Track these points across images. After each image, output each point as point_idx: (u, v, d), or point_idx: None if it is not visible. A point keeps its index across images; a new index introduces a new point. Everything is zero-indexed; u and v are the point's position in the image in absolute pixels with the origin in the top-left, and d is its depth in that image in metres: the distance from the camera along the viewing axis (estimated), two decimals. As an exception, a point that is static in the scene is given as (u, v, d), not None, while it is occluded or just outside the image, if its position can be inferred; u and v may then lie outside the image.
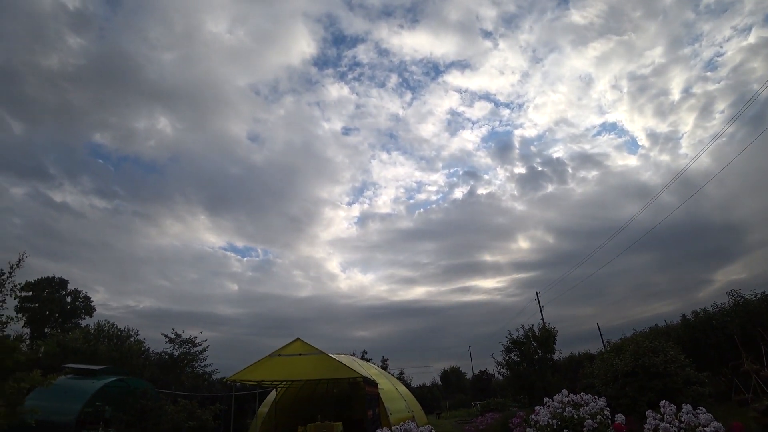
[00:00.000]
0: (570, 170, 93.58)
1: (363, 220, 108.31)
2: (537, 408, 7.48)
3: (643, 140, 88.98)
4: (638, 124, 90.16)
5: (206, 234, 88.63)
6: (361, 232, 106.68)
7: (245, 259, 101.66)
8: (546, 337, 15.48)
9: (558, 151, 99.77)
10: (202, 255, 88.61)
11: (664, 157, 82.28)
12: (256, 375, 10.26)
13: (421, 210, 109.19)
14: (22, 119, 66.18)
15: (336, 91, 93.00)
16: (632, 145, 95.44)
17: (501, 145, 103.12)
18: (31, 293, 48.97)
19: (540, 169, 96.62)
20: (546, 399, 7.40)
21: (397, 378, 25.07)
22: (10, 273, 8.12)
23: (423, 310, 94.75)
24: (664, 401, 5.11)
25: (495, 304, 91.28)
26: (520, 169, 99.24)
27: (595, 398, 6.77)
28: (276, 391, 13.98)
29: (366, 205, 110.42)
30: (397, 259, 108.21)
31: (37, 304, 48.54)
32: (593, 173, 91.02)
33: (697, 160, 55.74)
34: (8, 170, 65.94)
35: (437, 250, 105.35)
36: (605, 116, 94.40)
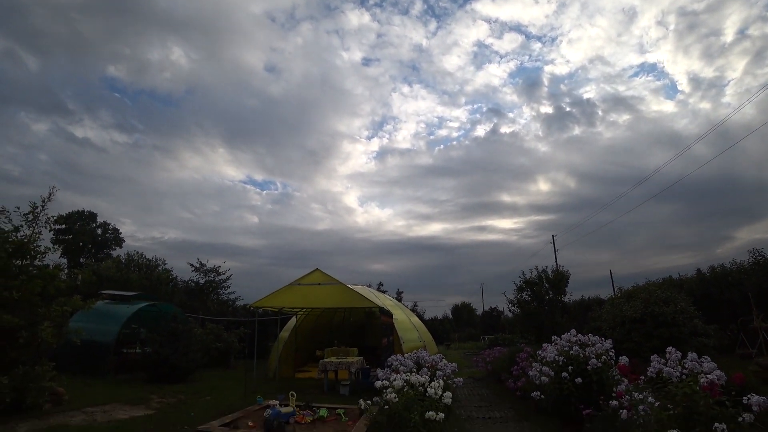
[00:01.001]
0: (600, 113, 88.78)
1: (382, 154, 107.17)
2: (545, 345, 7.82)
3: (683, 85, 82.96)
4: (681, 66, 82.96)
5: (225, 167, 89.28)
6: (379, 167, 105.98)
7: (264, 192, 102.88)
8: (559, 279, 15.76)
9: (589, 92, 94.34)
10: (222, 188, 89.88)
11: (704, 105, 77.11)
12: (277, 302, 10.84)
13: (442, 146, 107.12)
14: (35, 54, 65.20)
15: (356, 18, 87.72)
16: (671, 90, 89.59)
17: (529, 82, 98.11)
18: (64, 226, 51.16)
19: (568, 109, 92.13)
20: (554, 337, 7.70)
21: (410, 310, 26.03)
22: (42, 206, 8.46)
23: (438, 246, 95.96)
24: (670, 347, 5.27)
25: (510, 245, 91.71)
26: (547, 109, 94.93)
27: (601, 340, 7.05)
28: (296, 317, 14.76)
29: (385, 140, 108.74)
30: (415, 195, 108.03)
31: (70, 236, 50.87)
32: (624, 117, 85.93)
33: (740, 110, 52.56)
34: (28, 106, 66.25)
35: (456, 188, 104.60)
36: (645, 56, 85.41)
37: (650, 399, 4.58)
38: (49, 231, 8.49)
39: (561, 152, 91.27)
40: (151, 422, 7.07)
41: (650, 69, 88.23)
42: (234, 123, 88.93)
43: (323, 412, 7.71)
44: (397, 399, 5.36)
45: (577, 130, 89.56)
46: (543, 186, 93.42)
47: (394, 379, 5.75)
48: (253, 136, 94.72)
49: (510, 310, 17.04)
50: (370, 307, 10.80)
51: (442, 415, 5.25)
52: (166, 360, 11.43)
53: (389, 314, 10.76)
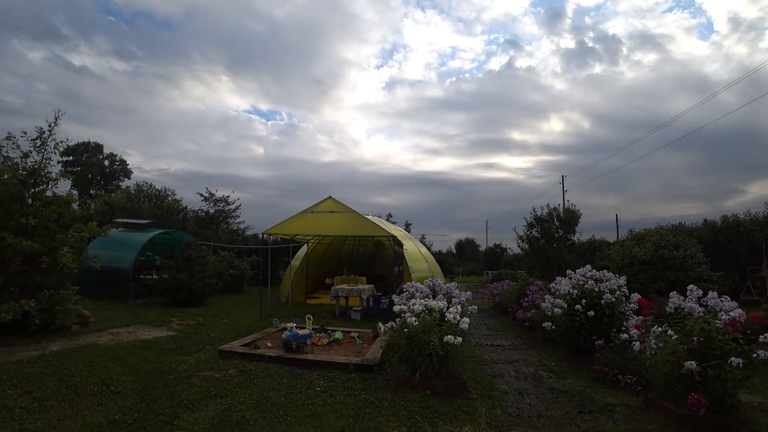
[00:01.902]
0: (624, 50, 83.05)
1: (391, 85, 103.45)
2: (558, 278, 7.83)
3: (721, 24, 77.11)
4: (721, 3, 77.32)
5: (229, 96, 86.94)
6: (388, 98, 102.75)
7: (270, 122, 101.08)
8: (570, 218, 15.64)
9: (615, 27, 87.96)
10: (226, 118, 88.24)
11: (740, 49, 71.80)
12: (289, 229, 10.85)
13: (454, 78, 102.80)
14: (25, -28, 61.20)
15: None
16: (705, 30, 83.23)
17: (552, 12, 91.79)
18: (71, 158, 51.00)
19: (591, 45, 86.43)
20: (569, 272, 7.70)
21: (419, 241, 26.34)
22: (50, 131, 8.19)
23: (445, 182, 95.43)
24: (692, 285, 5.20)
25: (517, 183, 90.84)
26: (568, 43, 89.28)
27: (615, 276, 7.08)
28: (307, 245, 14.93)
29: (395, 70, 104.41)
30: (424, 129, 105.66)
31: (78, 168, 50.83)
32: (650, 57, 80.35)
33: None
34: (22, 33, 63.36)
35: (466, 123, 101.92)
36: (683, -12, 79.90)
37: (670, 332, 4.59)
38: (59, 156, 8.29)
39: (578, 91, 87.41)
40: (175, 342, 7.31)
41: (687, 5, 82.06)
42: (237, 49, 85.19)
43: (338, 335, 7.94)
44: (417, 322, 5.43)
45: (597, 68, 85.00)
46: (556, 125, 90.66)
47: (414, 304, 5.79)
48: (258, 64, 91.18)
49: (519, 246, 17.14)
50: (382, 236, 10.82)
51: (460, 339, 5.34)
52: (183, 285, 11.72)
53: (400, 244, 10.80)
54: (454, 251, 52.55)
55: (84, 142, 52.10)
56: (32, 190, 7.93)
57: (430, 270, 13.98)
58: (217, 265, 16.16)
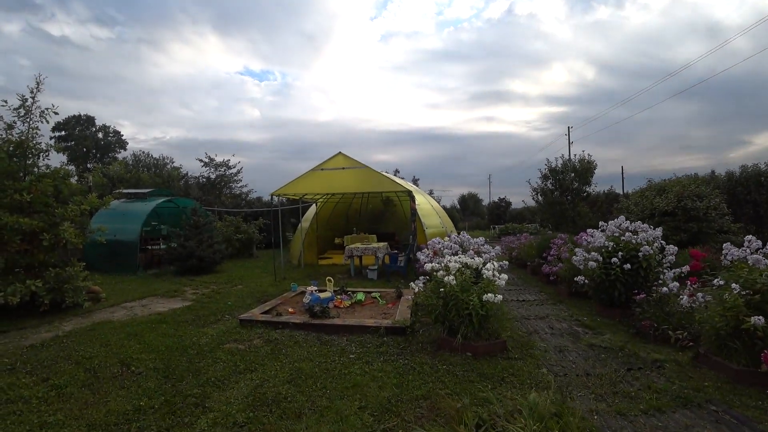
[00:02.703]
0: None
1: (386, 38, 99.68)
2: (590, 231, 7.38)
3: None
4: None
5: (220, 57, 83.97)
6: (384, 50, 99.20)
7: (263, 83, 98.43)
8: (585, 169, 15.00)
9: None
10: (218, 81, 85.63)
11: None
12: (299, 189, 10.31)
13: (452, 28, 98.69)
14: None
15: None
16: None
17: None
18: (64, 132, 49.64)
19: None
20: (602, 224, 7.25)
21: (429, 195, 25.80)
22: (33, 98, 7.50)
23: (446, 137, 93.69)
24: (749, 236, 4.75)
25: (519, 137, 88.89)
26: None
27: (650, 227, 6.66)
28: (316, 205, 14.44)
29: (390, 21, 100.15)
30: (423, 82, 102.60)
31: (72, 143, 49.57)
32: (659, 0, 75.32)
33: None
34: (-8, 2, 60.01)
35: (465, 75, 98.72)
36: None
37: (734, 285, 4.17)
38: (47, 125, 7.61)
39: (582, 38, 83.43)
40: (192, 313, 6.98)
41: None
42: (223, 6, 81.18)
43: (360, 296, 7.60)
44: (454, 281, 5.01)
45: (603, 13, 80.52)
46: (558, 75, 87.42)
47: (449, 261, 5.36)
48: (246, 21, 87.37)
49: (533, 198, 16.58)
50: (397, 191, 10.29)
51: (500, 297, 4.95)
52: (193, 253, 11.34)
53: (414, 200, 10.30)
54: (458, 206, 52.04)
55: (75, 116, 50.61)
56: (22, 163, 7.33)
57: (443, 225, 13.53)
58: (224, 230, 15.76)
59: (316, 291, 7.09)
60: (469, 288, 5.16)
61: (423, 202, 13.57)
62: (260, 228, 16.92)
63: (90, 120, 51.17)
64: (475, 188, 72.17)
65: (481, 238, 7.00)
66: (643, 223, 6.86)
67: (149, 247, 13.33)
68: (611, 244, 6.70)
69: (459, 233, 15.24)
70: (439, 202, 39.89)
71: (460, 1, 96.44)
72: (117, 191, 14.63)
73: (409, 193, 10.09)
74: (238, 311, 7.06)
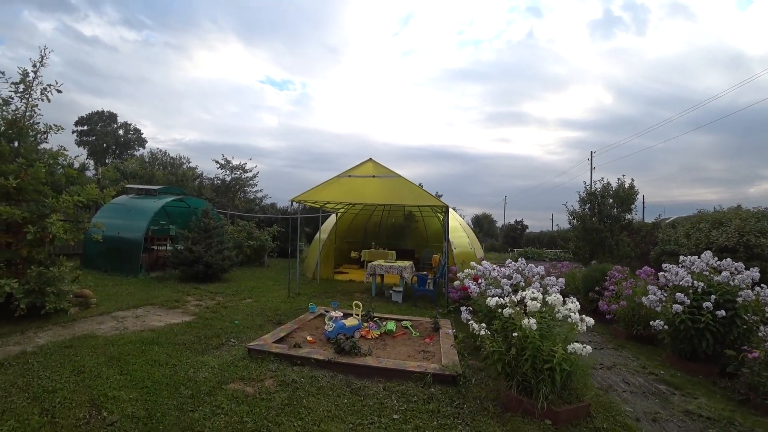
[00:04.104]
0: (654, 20, 77.17)
1: (407, 54, 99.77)
2: (667, 266, 6.18)
3: None
4: None
5: (242, 65, 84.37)
6: (403, 67, 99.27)
7: (283, 92, 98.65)
8: (627, 194, 13.70)
9: None
10: (239, 88, 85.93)
11: None
12: (321, 196, 9.12)
13: (472, 47, 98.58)
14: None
15: None
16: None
17: None
18: (86, 127, 49.59)
19: (618, 14, 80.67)
20: (682, 258, 6.06)
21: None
22: (35, 72, 6.50)
23: (461, 155, 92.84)
24: None
25: (534, 159, 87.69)
26: (595, 12, 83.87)
27: (750, 269, 5.46)
28: (336, 215, 13.27)
29: (411, 38, 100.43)
30: (440, 100, 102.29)
31: (93, 138, 49.45)
32: (681, 28, 74.58)
33: None
34: (30, 4, 60.96)
35: (483, 94, 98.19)
36: (723, -48, 74.40)
37: None
38: (48, 102, 6.59)
39: (601, 63, 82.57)
40: (191, 331, 5.78)
41: None
42: (248, 16, 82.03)
43: (390, 326, 6.34)
44: (536, 325, 3.78)
45: (623, 40, 79.70)
46: (576, 99, 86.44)
47: (524, 297, 4.13)
48: (270, 32, 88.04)
49: (569, 222, 15.26)
50: (433, 205, 9.08)
51: (589, 348, 3.72)
52: (200, 258, 10.20)
53: (448, 215, 9.10)
54: (471, 226, 50.41)
55: (98, 111, 50.56)
56: (14, 144, 6.30)
57: (470, 245, 12.27)
58: (235, 235, 14.63)
59: (339, 317, 5.87)
60: (552, 335, 3.94)
61: (450, 219, 12.32)
62: (274, 235, 15.76)
63: (112, 117, 51.08)
64: (488, 209, 70.51)
65: (540, 267, 5.77)
66: (736, 262, 5.67)
67: (155, 248, 12.23)
68: (701, 284, 5.47)
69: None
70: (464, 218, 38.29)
71: (481, 22, 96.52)
72: (127, 186, 13.62)
73: (446, 209, 8.87)
74: (245, 334, 5.85)
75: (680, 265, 6.12)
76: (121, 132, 51.38)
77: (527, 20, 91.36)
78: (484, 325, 4.37)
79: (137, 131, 52.29)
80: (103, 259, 10.85)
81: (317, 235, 12.97)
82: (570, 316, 4.01)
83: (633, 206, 13.93)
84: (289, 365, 4.54)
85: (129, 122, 51.96)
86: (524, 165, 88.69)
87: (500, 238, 43.50)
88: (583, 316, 4.02)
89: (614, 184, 14.21)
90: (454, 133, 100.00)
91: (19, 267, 6.15)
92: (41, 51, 6.67)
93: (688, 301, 5.39)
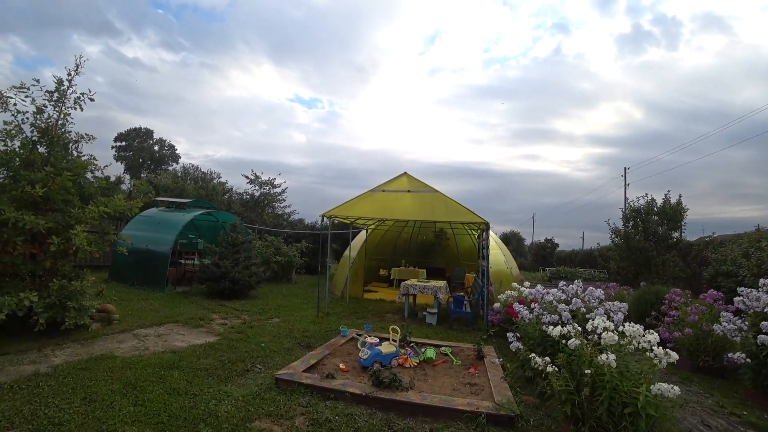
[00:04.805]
0: (686, 34, 74.75)
1: (433, 72, 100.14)
2: (745, 290, 5.41)
3: None
4: None
5: (272, 85, 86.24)
6: (429, 85, 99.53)
7: (311, 110, 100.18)
8: (675, 211, 12.75)
9: (677, 8, 79.99)
10: (269, 106, 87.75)
11: None
12: (353, 211, 8.63)
13: (498, 65, 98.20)
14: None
15: None
16: None
17: None
18: (124, 143, 51.37)
19: (648, 28, 78.75)
20: (763, 281, 5.26)
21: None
22: (69, 81, 6.33)
23: (487, 172, 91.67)
24: None
25: (562, 176, 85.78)
26: (623, 26, 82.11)
27: None
28: (366, 232, 12.77)
29: (437, 56, 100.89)
30: (466, 117, 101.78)
31: (130, 153, 51.11)
32: (715, 41, 72.19)
33: None
34: (80, 28, 64.47)
35: (509, 112, 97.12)
36: (757, -40, 71.63)
37: None
38: (81, 110, 6.41)
39: (631, 78, 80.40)
40: (215, 354, 5.31)
41: None
42: (279, 37, 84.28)
43: (430, 353, 5.71)
44: (614, 362, 3.14)
45: (654, 54, 77.57)
46: (605, 115, 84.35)
47: (597, 327, 3.49)
48: (299, 52, 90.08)
49: (612, 240, 14.34)
50: (473, 222, 8.45)
51: (677, 389, 3.03)
52: (227, 274, 9.83)
53: (488, 232, 8.46)
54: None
55: (135, 128, 52.33)
56: (45, 151, 6.10)
57: (507, 264, 11.53)
58: (263, 250, 14.31)
59: (375, 342, 5.30)
60: (630, 373, 3.28)
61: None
62: (302, 251, 15.38)
63: (149, 133, 52.74)
64: (516, 227, 68.54)
65: (600, 291, 5.08)
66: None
67: (183, 261, 12.00)
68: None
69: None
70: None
71: (507, 39, 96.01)
72: (157, 198, 13.55)
73: (486, 225, 8.24)
74: (272, 359, 5.34)
75: (760, 289, 5.34)
76: (156, 148, 52.96)
77: (554, 37, 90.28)
78: (548, 359, 3.72)
79: (171, 147, 53.80)
80: (130, 271, 10.65)
81: (346, 251, 12.48)
82: (653, 350, 3.35)
83: (682, 224, 12.89)
84: (321, 399, 3.98)
85: (164, 138, 53.55)
86: (552, 182, 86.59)
87: (529, 256, 42.02)
88: (667, 350, 3.34)
89: (659, 201, 13.26)
90: (480, 150, 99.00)
91: (42, 279, 5.87)
92: (77, 59, 6.53)
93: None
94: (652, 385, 3.10)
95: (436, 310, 8.63)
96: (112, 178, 24.88)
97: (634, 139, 76.33)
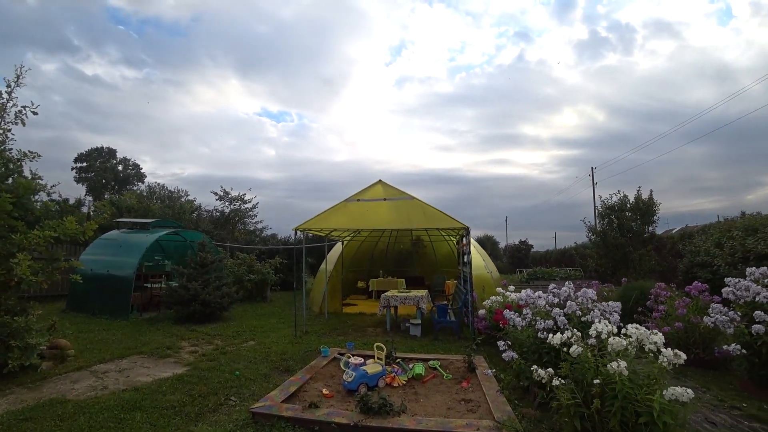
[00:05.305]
0: (639, 39, 79.01)
1: (400, 82, 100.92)
2: (732, 280, 5.35)
3: (740, 8, 73.70)
4: None
5: (240, 99, 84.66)
6: (398, 95, 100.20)
7: (280, 124, 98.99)
8: (648, 206, 12.92)
9: (630, 15, 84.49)
10: (237, 121, 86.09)
11: (761, 34, 68.50)
12: (328, 224, 8.21)
13: (463, 73, 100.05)
14: (31, -17, 59.49)
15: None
16: (724, 15, 80.00)
17: (563, 1, 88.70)
18: (85, 164, 49.09)
19: (604, 35, 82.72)
20: (750, 270, 5.30)
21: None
22: (9, 93, 5.73)
23: (458, 179, 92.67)
24: None
25: (531, 179, 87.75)
26: (581, 34, 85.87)
27: None
28: (342, 243, 12.33)
29: (404, 67, 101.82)
30: (435, 126, 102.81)
31: (92, 174, 48.88)
32: (667, 45, 76.86)
33: None
34: (35, 45, 61.79)
35: (477, 118, 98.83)
36: (700, -29, 75.82)
37: None
38: (23, 125, 5.80)
39: (591, 82, 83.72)
40: (183, 387, 4.77)
41: None
42: (245, 52, 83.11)
43: (419, 369, 5.34)
44: (626, 370, 2.87)
45: (611, 59, 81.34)
46: (569, 119, 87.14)
47: (597, 329, 3.23)
48: (266, 66, 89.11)
49: (589, 238, 14.41)
50: (454, 227, 8.17)
51: (690, 393, 2.80)
52: (196, 296, 9.19)
53: (468, 238, 8.22)
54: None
55: (97, 147, 50.16)
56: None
57: (487, 267, 11.32)
58: (235, 269, 13.64)
59: (359, 363, 4.88)
60: (639, 379, 3.03)
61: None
62: (276, 268, 14.76)
63: (111, 153, 50.63)
64: (490, 230, 69.38)
65: (592, 291, 4.87)
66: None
67: (149, 285, 11.22)
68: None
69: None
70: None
71: (471, 48, 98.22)
72: (118, 220, 12.72)
73: (467, 231, 7.98)
74: (248, 388, 4.84)
75: (748, 278, 5.30)
76: (120, 167, 50.85)
77: (517, 45, 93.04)
78: (551, 370, 3.43)
79: (136, 166, 51.78)
80: (91, 299, 9.85)
81: (322, 265, 11.99)
82: (660, 352, 3.13)
83: (655, 218, 13.07)
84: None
85: (128, 157, 51.52)
86: (522, 185, 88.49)
87: (504, 259, 42.34)
88: (676, 351, 3.12)
89: (631, 198, 13.43)
90: (450, 157, 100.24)
91: (-19, 316, 5.19)
92: (17, 70, 5.93)
93: (769, 321, 4.55)
94: (666, 391, 2.86)
95: (419, 321, 8.28)
96: (72, 200, 23.57)
97: (597, 140, 79.16)
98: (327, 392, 4.52)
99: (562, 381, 3.25)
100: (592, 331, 3.45)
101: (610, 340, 3.16)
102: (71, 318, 9.09)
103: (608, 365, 2.97)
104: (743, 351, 4.80)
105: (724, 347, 4.99)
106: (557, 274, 22.00)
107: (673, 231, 20.41)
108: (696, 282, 6.66)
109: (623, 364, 2.92)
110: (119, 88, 69.86)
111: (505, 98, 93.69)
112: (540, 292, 5.12)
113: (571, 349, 3.42)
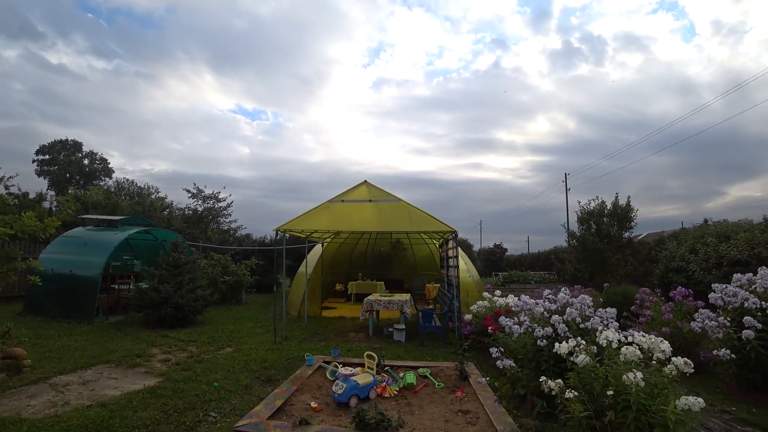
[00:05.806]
0: (610, 51, 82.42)
1: (378, 84, 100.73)
2: (720, 286, 5.34)
3: (703, 27, 77.81)
4: (704, 6, 77.04)
5: (214, 95, 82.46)
6: (375, 97, 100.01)
7: (255, 122, 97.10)
8: (625, 212, 13.10)
9: (601, 28, 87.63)
10: (211, 118, 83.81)
11: (722, 52, 72.31)
12: (309, 225, 7.84)
13: (441, 78, 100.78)
14: (-7, -35, 56.15)
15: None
16: (688, 32, 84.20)
17: (539, 11, 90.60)
18: (48, 156, 46.51)
19: (577, 45, 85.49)
20: (737, 276, 5.33)
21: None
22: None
23: (433, 182, 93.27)
24: None
25: (505, 183, 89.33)
26: (555, 43, 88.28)
27: None
28: (322, 245, 11.94)
29: (382, 69, 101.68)
30: (411, 129, 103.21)
31: (55, 167, 46.37)
32: (635, 58, 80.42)
33: (759, 61, 47.66)
34: (-5, 31, 58.24)
35: (452, 122, 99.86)
36: (667, -10, 79.22)
37: None
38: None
39: (564, 91, 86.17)
40: (156, 402, 4.33)
41: (671, 6, 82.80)
42: (221, 47, 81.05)
43: (410, 378, 5.07)
44: (642, 381, 2.71)
45: (583, 69, 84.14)
46: (542, 125, 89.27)
47: (613, 339, 3.07)
48: (242, 62, 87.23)
49: (568, 243, 14.53)
50: (441, 231, 7.93)
51: (701, 401, 2.66)
52: (168, 299, 8.63)
53: (455, 241, 8.00)
54: (452, 252, 49.20)
55: (61, 140, 47.64)
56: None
57: (469, 272, 11.17)
58: (209, 270, 13.03)
59: (348, 373, 4.57)
60: (659, 390, 2.88)
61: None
62: (252, 269, 14.20)
63: (77, 146, 48.23)
64: (464, 234, 70.07)
65: (589, 299, 4.73)
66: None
67: (116, 287, 10.51)
68: (768, 304, 4.67)
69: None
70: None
71: (449, 53, 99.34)
72: (84, 217, 11.93)
73: (454, 234, 7.77)
74: (229, 401, 4.45)
75: (733, 284, 5.32)
76: (86, 162, 48.47)
77: (493, 51, 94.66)
78: (560, 381, 3.23)
79: (104, 161, 49.45)
80: (51, 302, 9.12)
81: (301, 267, 11.57)
82: (670, 360, 3.01)
83: (632, 224, 13.28)
84: (294, 455, 3.20)
85: (95, 151, 49.22)
86: (496, 189, 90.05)
87: (479, 262, 42.64)
88: (686, 359, 3.01)
89: (608, 204, 13.63)
90: (425, 160, 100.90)
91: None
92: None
93: (760, 325, 4.61)
94: (678, 401, 2.72)
95: (403, 326, 8.01)
96: (32, 195, 22.15)
97: (569, 147, 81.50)
98: (315, 405, 4.18)
99: (575, 393, 3.05)
100: (602, 340, 3.28)
101: (623, 349, 3.00)
102: (28, 322, 8.37)
103: (623, 376, 2.80)
104: (733, 356, 4.78)
105: (714, 352, 4.96)
106: (532, 278, 22.19)
107: (641, 236, 20.89)
108: (680, 287, 6.69)
109: (639, 375, 2.76)
110: (87, 79, 66.82)
111: (480, 103, 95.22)
112: (526, 297, 4.95)
113: (578, 359, 3.26)
